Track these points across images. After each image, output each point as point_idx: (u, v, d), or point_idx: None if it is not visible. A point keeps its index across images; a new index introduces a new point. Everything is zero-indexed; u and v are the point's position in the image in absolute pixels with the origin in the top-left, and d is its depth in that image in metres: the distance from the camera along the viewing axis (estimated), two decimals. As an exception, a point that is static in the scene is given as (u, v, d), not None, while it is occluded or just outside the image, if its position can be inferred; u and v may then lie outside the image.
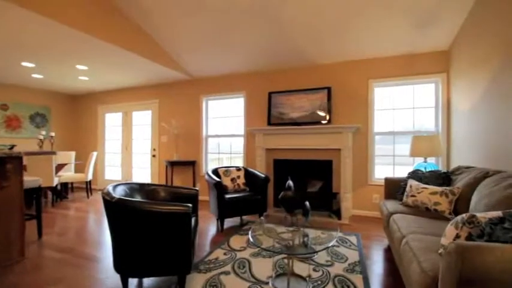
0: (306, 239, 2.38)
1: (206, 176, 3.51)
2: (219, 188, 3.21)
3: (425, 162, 3.27)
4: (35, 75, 4.89)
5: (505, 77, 2.40)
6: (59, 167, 5.09)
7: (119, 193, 2.06)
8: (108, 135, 6.45)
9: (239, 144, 4.98)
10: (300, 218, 2.41)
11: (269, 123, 4.45)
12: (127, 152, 6.12)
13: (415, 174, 2.71)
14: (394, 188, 2.91)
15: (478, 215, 1.29)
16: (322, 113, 4.11)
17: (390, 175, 3.95)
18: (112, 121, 6.39)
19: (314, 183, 4.36)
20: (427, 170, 2.88)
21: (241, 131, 4.89)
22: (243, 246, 2.76)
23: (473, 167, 2.53)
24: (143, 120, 5.94)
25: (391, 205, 2.57)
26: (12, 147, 2.65)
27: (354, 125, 3.90)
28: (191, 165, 5.14)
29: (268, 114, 4.48)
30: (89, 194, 5.45)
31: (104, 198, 1.79)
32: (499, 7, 2.53)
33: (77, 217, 3.97)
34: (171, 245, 1.80)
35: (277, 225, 3.18)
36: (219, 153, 5.22)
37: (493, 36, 2.61)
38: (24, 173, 4.90)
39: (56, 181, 4.80)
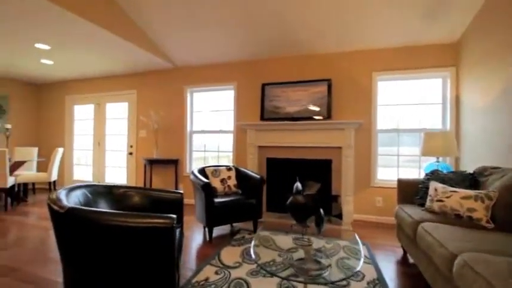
0: (318, 255, 1.97)
1: (192, 177, 3.00)
2: (208, 191, 2.71)
3: (437, 162, 2.96)
4: (-15, 56, 4.13)
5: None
6: (16, 165, 4.35)
7: (75, 199, 1.53)
8: (78, 129, 5.70)
9: (228, 141, 4.49)
10: (310, 226, 1.99)
11: (262, 118, 4.01)
12: (99, 148, 5.43)
13: (437, 176, 2.37)
14: (409, 191, 2.56)
15: None
16: (321, 108, 3.72)
17: (394, 177, 3.64)
18: (82, 114, 5.65)
19: (311, 185, 3.93)
20: (445, 171, 2.56)
21: (231, 127, 4.40)
22: (238, 261, 2.29)
23: (499, 167, 2.23)
24: (119, 113, 5.28)
25: (413, 211, 2.20)
26: None
27: (357, 120, 3.55)
28: (173, 164, 4.58)
29: (262, 108, 4.03)
30: (53, 196, 4.72)
31: (50, 208, 1.26)
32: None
33: (35, 225, 3.31)
34: (148, 271, 1.31)
35: (276, 233, 2.74)
36: (205, 151, 4.70)
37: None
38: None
39: (11, 181, 4.07)
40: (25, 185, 4.78)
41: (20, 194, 4.60)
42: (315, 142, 3.71)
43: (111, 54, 4.03)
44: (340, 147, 3.63)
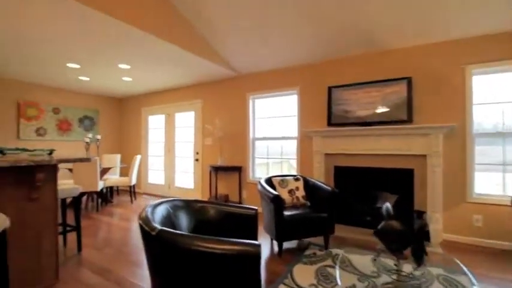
0: (408, 285, 1.67)
1: (259, 187, 2.93)
2: (278, 204, 2.60)
3: None
4: (82, 78, 4.81)
5: None
6: (104, 171, 4.96)
7: (160, 215, 1.57)
8: (152, 137, 6.28)
9: (291, 148, 4.34)
10: (404, 256, 1.69)
11: (329, 124, 3.75)
12: (170, 155, 5.86)
13: None
14: (532, 214, 2.02)
15: None
16: (399, 110, 3.29)
17: (498, 190, 2.98)
18: (155, 123, 6.20)
19: (386, 197, 3.53)
20: None
21: (294, 133, 4.24)
22: (313, 283, 2.11)
23: None
24: (186, 122, 5.62)
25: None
26: (51, 152, 2.36)
27: (448, 124, 3.02)
28: (237, 171, 4.64)
29: (329, 113, 3.77)
30: (133, 198, 5.26)
31: (141, 228, 1.30)
32: None
33: (119, 226, 3.68)
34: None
35: (350, 252, 2.47)
36: (267, 158, 4.64)
37: None
38: (71, 175, 4.86)
39: (101, 185, 4.65)
40: (111, 187, 5.42)
41: (107, 195, 5.24)
42: (392, 149, 3.30)
43: (181, 68, 4.28)
44: (424, 155, 3.15)
